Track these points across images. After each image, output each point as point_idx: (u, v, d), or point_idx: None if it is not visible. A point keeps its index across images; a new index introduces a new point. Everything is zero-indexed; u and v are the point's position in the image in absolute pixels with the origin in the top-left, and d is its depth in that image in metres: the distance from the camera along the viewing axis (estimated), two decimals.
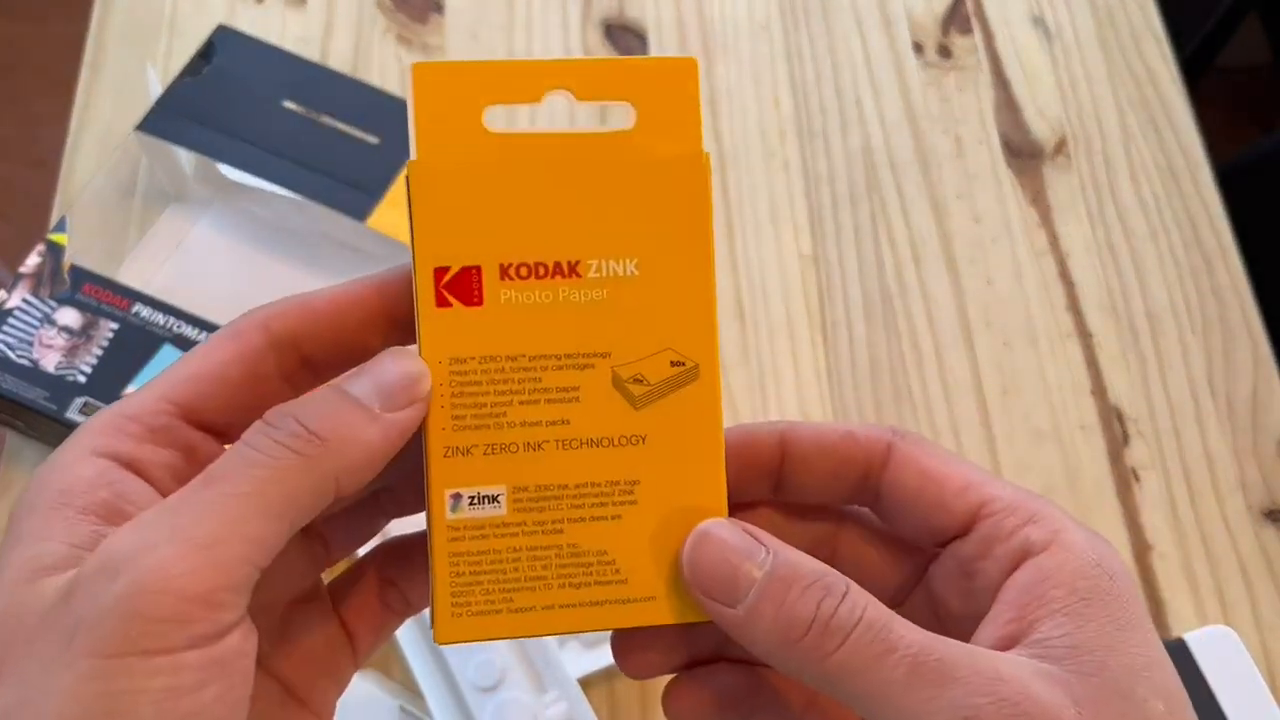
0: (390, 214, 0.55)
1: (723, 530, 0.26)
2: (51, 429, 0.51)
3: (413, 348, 0.26)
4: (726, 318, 0.60)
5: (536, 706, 0.48)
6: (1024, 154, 0.66)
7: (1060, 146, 0.66)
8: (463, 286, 0.26)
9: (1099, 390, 0.59)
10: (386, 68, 0.65)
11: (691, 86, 0.27)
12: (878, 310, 0.60)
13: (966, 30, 0.70)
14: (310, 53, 0.65)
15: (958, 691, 0.23)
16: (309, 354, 0.26)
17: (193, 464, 0.25)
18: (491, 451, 0.26)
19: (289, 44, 0.63)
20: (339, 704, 0.29)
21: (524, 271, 0.26)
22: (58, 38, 1.32)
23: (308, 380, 0.27)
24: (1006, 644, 0.25)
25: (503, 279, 0.26)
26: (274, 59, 0.59)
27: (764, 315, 0.60)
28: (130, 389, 0.50)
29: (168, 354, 0.51)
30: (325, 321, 0.26)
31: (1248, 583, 0.54)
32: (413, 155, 0.26)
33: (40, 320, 0.52)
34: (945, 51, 0.69)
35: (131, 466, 0.24)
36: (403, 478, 0.27)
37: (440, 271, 0.26)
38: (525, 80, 0.26)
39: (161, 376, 0.26)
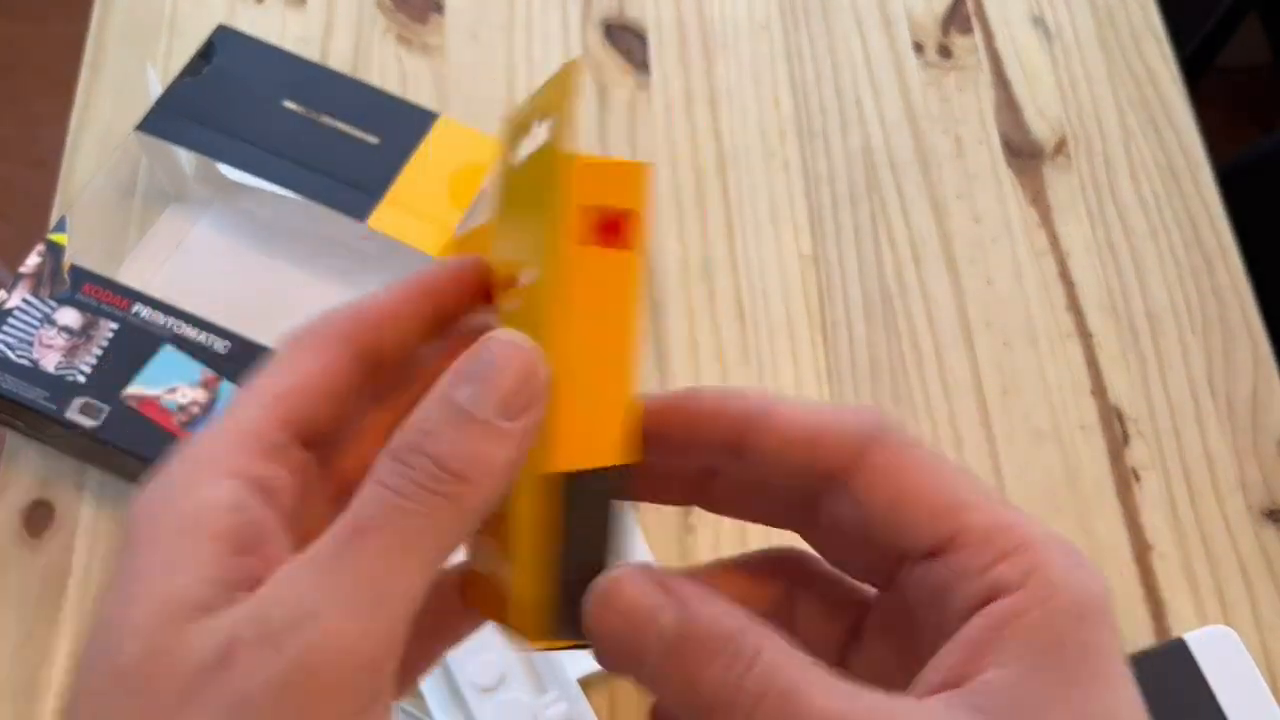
0: (390, 214, 0.55)
1: (629, 580, 0.24)
2: (51, 429, 0.51)
3: (510, 331, 0.24)
4: (727, 318, 0.60)
5: (536, 706, 0.48)
6: (1024, 154, 0.66)
7: (1060, 146, 0.66)
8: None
9: (1099, 390, 0.59)
10: (386, 68, 0.65)
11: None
12: (878, 310, 0.60)
13: (966, 30, 0.70)
14: (310, 53, 0.65)
15: None
16: (382, 363, 0.25)
17: (303, 486, 0.24)
18: None
19: (289, 44, 0.63)
20: None
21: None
22: (58, 38, 1.32)
23: (369, 387, 0.26)
24: (950, 685, 0.22)
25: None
26: (274, 59, 0.59)
27: (764, 315, 0.60)
28: (130, 389, 0.50)
29: (168, 354, 0.51)
30: (397, 328, 0.25)
31: (1248, 583, 0.54)
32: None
33: (40, 320, 0.52)
34: (945, 51, 0.69)
35: (261, 489, 0.23)
36: None
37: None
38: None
39: (256, 391, 0.24)
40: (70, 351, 0.51)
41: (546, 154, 0.24)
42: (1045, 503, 0.56)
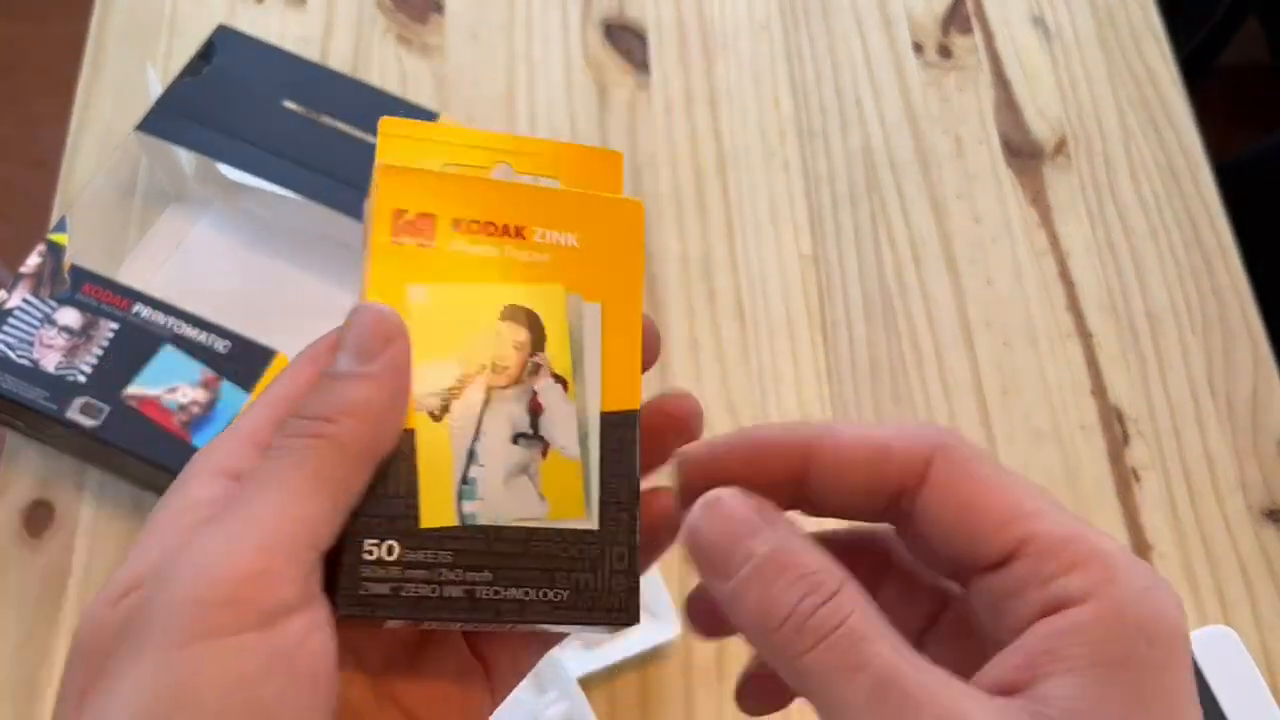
0: None
1: (733, 501, 0.25)
2: (51, 429, 0.51)
3: (366, 301, 0.28)
4: (727, 318, 0.60)
5: (536, 706, 0.48)
6: (1024, 154, 0.66)
7: (1060, 146, 0.66)
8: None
9: (1099, 390, 0.59)
10: (386, 68, 0.65)
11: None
12: (878, 310, 0.60)
13: (966, 30, 0.70)
14: (310, 53, 0.65)
15: None
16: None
17: None
18: None
19: (289, 44, 0.63)
20: None
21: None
22: (58, 38, 1.32)
23: None
24: (1008, 690, 0.23)
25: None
26: (274, 59, 0.59)
27: (764, 315, 0.60)
28: (131, 389, 0.50)
29: (168, 354, 0.51)
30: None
31: (1248, 583, 0.54)
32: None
33: (40, 320, 0.52)
34: (945, 51, 0.69)
35: None
36: None
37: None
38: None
39: (263, 399, 0.26)
40: (70, 351, 0.51)
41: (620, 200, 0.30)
42: None
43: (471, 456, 0.27)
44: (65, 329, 0.51)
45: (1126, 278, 0.62)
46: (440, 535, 0.27)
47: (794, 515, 0.28)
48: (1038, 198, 0.64)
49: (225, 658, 0.22)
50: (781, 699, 0.28)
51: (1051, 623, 0.23)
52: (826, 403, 0.58)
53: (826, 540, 0.28)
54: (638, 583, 0.28)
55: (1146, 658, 0.22)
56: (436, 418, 0.27)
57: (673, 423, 0.28)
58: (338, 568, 0.26)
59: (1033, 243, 0.63)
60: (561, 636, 0.30)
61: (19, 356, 0.51)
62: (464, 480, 0.27)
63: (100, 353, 0.51)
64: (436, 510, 0.27)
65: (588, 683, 0.48)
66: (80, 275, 0.53)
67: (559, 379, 0.28)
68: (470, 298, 0.28)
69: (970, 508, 0.25)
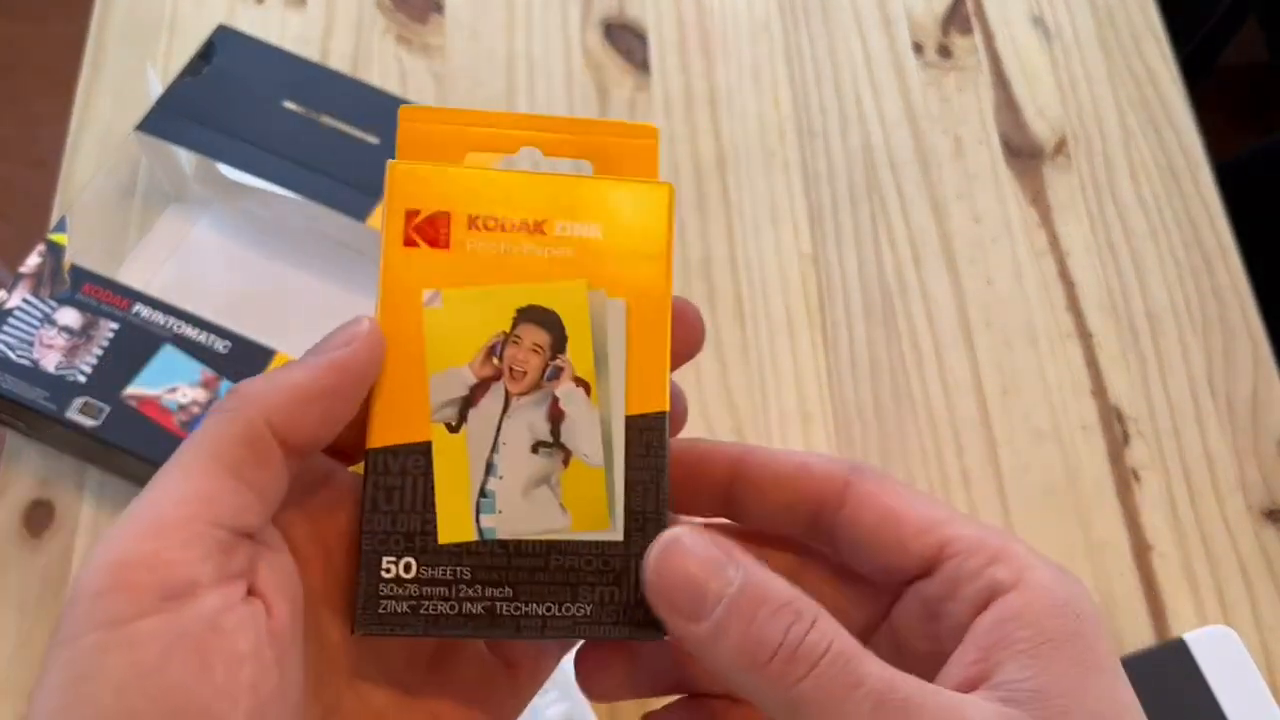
0: None
1: (692, 539, 0.25)
2: (51, 429, 0.51)
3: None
4: (727, 317, 0.60)
5: (537, 706, 0.48)
6: (1024, 154, 0.66)
7: (1060, 146, 0.66)
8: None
9: (1099, 390, 0.59)
10: (386, 68, 0.65)
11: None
12: (878, 310, 0.60)
13: (966, 30, 0.70)
14: (310, 53, 0.65)
15: None
16: (294, 443, 0.26)
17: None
18: None
19: (289, 44, 0.63)
20: None
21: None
22: (58, 38, 1.32)
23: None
24: (970, 685, 0.24)
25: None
26: (274, 59, 0.59)
27: (764, 315, 0.60)
28: (130, 389, 0.50)
29: (168, 354, 0.51)
30: (311, 409, 0.26)
31: (1248, 583, 0.54)
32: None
33: (40, 320, 0.52)
34: (945, 51, 0.69)
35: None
36: None
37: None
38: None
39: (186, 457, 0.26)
40: (70, 351, 0.51)
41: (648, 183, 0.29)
42: (1045, 503, 0.56)
43: (490, 468, 0.26)
44: (65, 329, 0.51)
45: (1126, 278, 0.62)
46: (459, 551, 0.26)
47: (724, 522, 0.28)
48: (1038, 198, 0.64)
49: (121, 647, 0.22)
50: None
51: (991, 614, 0.24)
52: (826, 402, 0.58)
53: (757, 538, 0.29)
54: None
55: (1079, 630, 0.24)
56: (453, 429, 0.26)
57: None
58: (355, 585, 0.25)
59: (1033, 243, 0.63)
60: None
61: (19, 356, 0.51)
62: (482, 493, 0.26)
63: (100, 353, 0.51)
64: (454, 525, 0.26)
65: None
66: (80, 275, 0.53)
67: (581, 382, 0.27)
68: (487, 300, 0.27)
69: (891, 519, 0.26)
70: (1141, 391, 0.59)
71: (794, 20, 0.69)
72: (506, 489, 0.26)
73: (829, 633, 0.23)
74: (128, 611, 0.22)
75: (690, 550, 0.25)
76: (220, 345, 0.51)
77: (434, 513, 0.26)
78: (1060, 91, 0.68)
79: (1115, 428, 0.58)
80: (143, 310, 0.52)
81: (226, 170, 0.57)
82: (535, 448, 0.27)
